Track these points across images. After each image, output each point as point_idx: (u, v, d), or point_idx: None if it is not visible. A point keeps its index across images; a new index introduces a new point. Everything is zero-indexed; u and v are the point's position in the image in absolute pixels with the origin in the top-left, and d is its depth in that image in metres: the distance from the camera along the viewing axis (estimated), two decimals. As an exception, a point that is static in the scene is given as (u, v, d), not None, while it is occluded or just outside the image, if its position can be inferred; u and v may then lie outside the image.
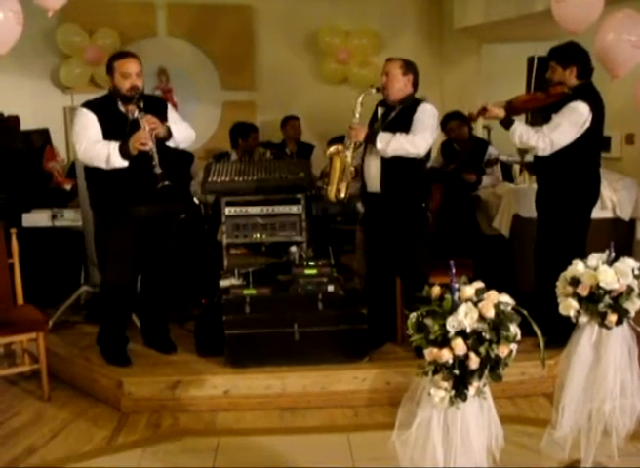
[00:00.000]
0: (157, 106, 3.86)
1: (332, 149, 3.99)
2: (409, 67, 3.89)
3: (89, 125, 3.69)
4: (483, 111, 3.90)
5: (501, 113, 3.86)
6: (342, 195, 3.96)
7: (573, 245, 3.80)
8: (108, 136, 3.68)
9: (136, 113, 3.65)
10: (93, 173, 3.78)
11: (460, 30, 6.67)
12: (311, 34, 7.11)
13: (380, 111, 3.98)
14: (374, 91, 3.93)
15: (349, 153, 3.93)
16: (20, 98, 6.41)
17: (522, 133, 3.80)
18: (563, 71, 3.83)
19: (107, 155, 3.62)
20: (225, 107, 7.17)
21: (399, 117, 3.86)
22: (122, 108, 3.75)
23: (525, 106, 4.01)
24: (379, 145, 3.77)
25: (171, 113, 3.93)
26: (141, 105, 3.67)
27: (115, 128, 3.69)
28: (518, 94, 4.22)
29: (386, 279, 4.05)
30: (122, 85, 3.69)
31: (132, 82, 3.68)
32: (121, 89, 3.70)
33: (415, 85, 3.92)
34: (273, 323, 3.78)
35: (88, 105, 3.76)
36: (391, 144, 3.75)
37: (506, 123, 3.85)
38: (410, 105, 3.85)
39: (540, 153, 3.81)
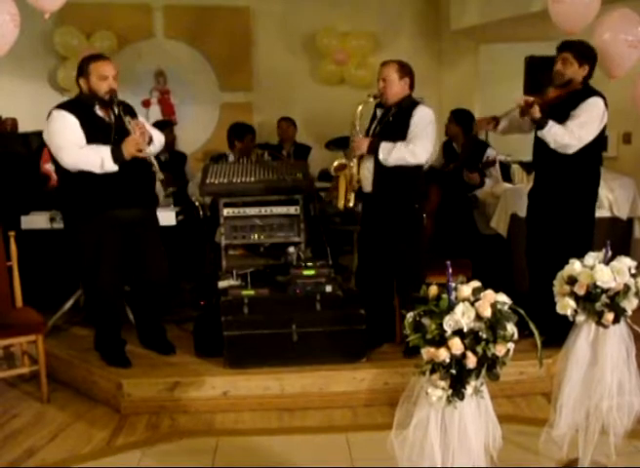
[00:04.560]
0: (129, 112, 3.78)
1: (336, 164, 4.00)
2: (405, 70, 3.87)
3: (71, 129, 3.59)
4: (531, 105, 3.72)
5: (539, 114, 3.74)
6: (352, 204, 3.98)
7: (579, 243, 3.72)
8: (90, 140, 3.61)
9: (122, 117, 3.62)
10: (75, 178, 3.65)
11: (458, 31, 6.69)
12: (309, 35, 7.14)
13: (378, 112, 4.00)
14: (371, 99, 3.93)
15: (354, 165, 3.94)
16: (18, 101, 6.42)
17: (557, 132, 3.72)
18: (578, 67, 3.78)
19: (101, 160, 3.57)
20: (223, 109, 7.19)
21: (396, 119, 3.87)
22: (99, 112, 3.68)
23: (553, 103, 3.86)
24: (380, 156, 3.79)
25: (140, 118, 3.85)
26: (122, 109, 3.65)
27: (97, 132, 3.62)
28: (548, 90, 4.12)
29: (382, 278, 4.04)
30: (99, 88, 3.61)
31: (109, 85, 3.62)
32: (98, 92, 3.62)
33: (412, 86, 3.92)
34: (272, 324, 3.78)
35: (65, 108, 3.63)
36: (392, 155, 3.77)
37: (542, 123, 3.74)
38: (406, 107, 3.85)
39: (571, 151, 3.74)
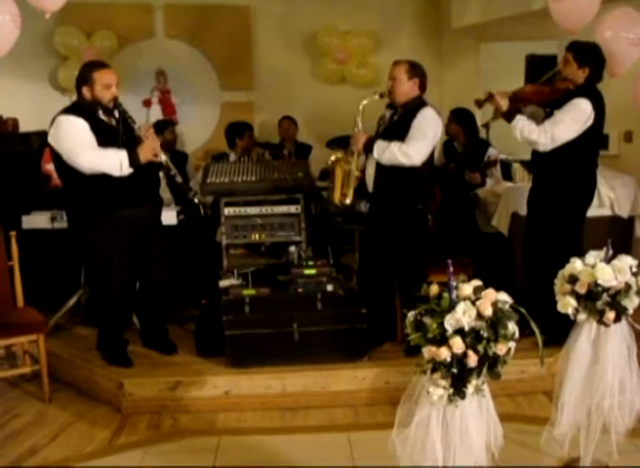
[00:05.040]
0: (131, 120, 3.77)
1: (333, 158, 4.03)
2: (415, 71, 3.86)
3: (82, 132, 3.60)
4: (490, 98, 3.90)
5: (505, 105, 3.84)
6: (348, 201, 3.97)
7: (567, 243, 3.79)
8: (100, 143, 3.62)
9: (130, 122, 3.67)
10: (82, 179, 3.64)
11: (459, 29, 6.68)
12: (309, 34, 7.12)
13: (387, 113, 3.99)
14: (377, 97, 3.93)
15: (353, 160, 3.94)
16: (19, 101, 6.42)
17: (523, 127, 3.79)
18: (577, 68, 3.79)
19: (120, 163, 3.58)
20: (224, 108, 7.18)
21: (400, 120, 3.86)
22: (103, 117, 3.71)
23: (529, 98, 3.96)
24: (375, 154, 3.81)
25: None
26: (127, 115, 3.67)
27: (105, 136, 3.64)
28: (523, 85, 4.22)
29: (383, 278, 4.05)
30: (103, 96, 3.64)
31: (113, 93, 3.66)
32: (102, 99, 3.65)
33: (422, 87, 3.90)
34: (273, 323, 3.78)
35: (72, 112, 3.65)
36: (385, 154, 3.78)
37: (509, 116, 3.83)
38: (412, 109, 3.83)
39: (541, 148, 3.80)
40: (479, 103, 4.03)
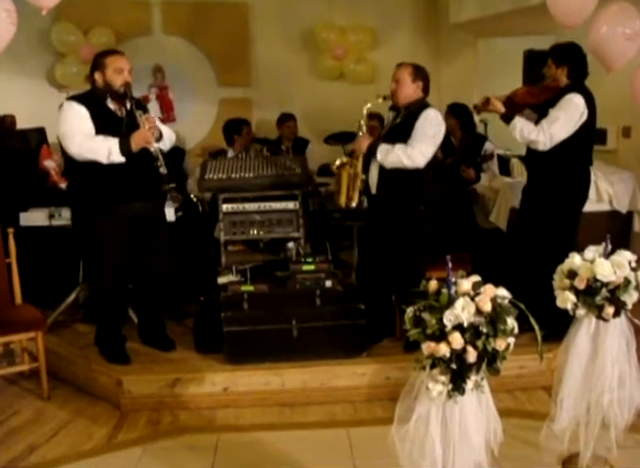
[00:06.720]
0: (141, 107, 3.81)
1: (338, 162, 4.03)
2: (419, 73, 3.86)
3: (80, 118, 3.62)
4: (487, 103, 3.96)
5: (502, 108, 3.92)
6: (354, 204, 3.96)
7: (561, 241, 3.80)
8: (99, 131, 3.63)
9: (134, 110, 3.64)
10: (82, 170, 3.68)
11: (457, 25, 6.67)
12: (307, 30, 7.11)
13: (390, 115, 4.01)
14: (380, 100, 3.91)
15: (359, 163, 3.93)
16: (16, 98, 6.40)
17: (522, 127, 3.84)
18: (556, 69, 3.90)
19: (109, 150, 3.57)
20: (222, 104, 7.17)
21: (403, 122, 3.85)
22: (111, 105, 3.71)
23: (524, 101, 4.03)
24: (378, 157, 3.80)
25: (152, 114, 3.86)
26: (134, 103, 3.66)
27: (106, 124, 3.64)
28: (516, 87, 4.25)
29: (382, 274, 4.04)
30: (115, 81, 3.65)
31: (125, 78, 3.66)
32: (114, 85, 3.65)
33: (425, 90, 3.89)
34: (271, 319, 3.78)
35: (77, 99, 3.69)
36: (389, 157, 3.76)
37: (507, 118, 3.90)
38: (415, 110, 3.81)
39: (541, 147, 3.83)
40: (477, 108, 4.09)
